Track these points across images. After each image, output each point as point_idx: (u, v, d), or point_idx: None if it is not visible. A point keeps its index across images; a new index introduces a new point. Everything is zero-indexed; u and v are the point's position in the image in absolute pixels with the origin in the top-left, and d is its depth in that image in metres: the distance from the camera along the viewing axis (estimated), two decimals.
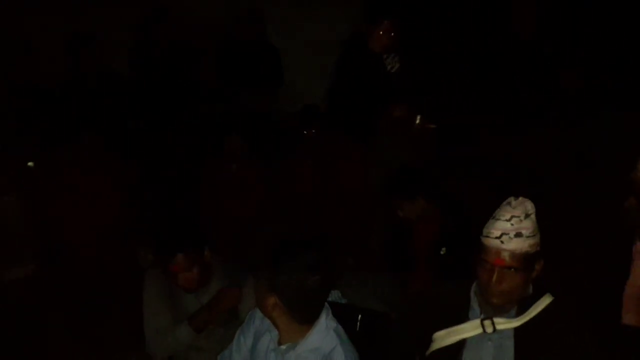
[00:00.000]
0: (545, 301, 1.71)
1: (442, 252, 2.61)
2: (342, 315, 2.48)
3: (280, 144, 4.15)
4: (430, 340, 1.77)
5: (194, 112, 4.52)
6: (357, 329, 2.43)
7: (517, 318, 1.68)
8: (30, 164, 3.47)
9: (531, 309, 1.69)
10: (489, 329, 1.69)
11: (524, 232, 1.63)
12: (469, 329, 1.71)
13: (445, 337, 1.73)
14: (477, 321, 1.71)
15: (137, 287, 2.36)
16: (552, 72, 3.73)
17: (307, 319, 1.69)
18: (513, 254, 1.63)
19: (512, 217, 1.64)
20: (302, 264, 1.63)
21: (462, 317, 1.74)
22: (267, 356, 1.78)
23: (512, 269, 1.63)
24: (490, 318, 1.69)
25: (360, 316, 2.44)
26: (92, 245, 3.27)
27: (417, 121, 3.24)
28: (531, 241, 1.66)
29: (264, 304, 1.67)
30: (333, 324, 1.75)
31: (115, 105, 4.17)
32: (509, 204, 1.68)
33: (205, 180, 3.75)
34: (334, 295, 2.71)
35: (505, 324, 1.69)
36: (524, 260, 1.64)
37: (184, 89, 4.41)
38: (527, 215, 1.66)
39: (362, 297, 2.61)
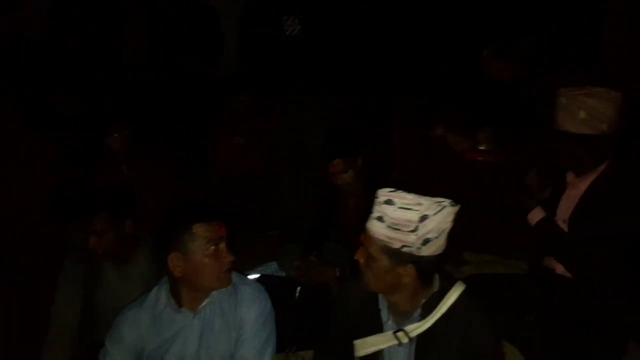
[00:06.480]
0: (454, 294, 1.60)
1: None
2: (281, 288, 2.54)
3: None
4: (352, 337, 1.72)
5: (121, 81, 4.31)
6: (296, 300, 2.48)
7: (426, 319, 1.59)
8: None
9: (439, 305, 1.59)
10: (404, 340, 1.61)
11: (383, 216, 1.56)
12: (384, 341, 1.64)
13: (362, 347, 1.67)
14: (390, 333, 1.63)
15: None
16: None
17: None
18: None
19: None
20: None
21: (374, 322, 1.68)
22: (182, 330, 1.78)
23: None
24: (402, 329, 1.61)
25: (299, 288, 2.48)
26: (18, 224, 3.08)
27: None
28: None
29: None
30: None
31: (34, 75, 3.93)
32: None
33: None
34: (272, 268, 2.75)
35: (417, 329, 1.60)
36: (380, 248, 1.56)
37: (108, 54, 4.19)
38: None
39: None
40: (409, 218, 1.50)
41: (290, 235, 3.20)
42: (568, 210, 2.14)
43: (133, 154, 3.13)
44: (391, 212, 1.52)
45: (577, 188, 2.14)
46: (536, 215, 2.17)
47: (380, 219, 1.54)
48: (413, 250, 1.51)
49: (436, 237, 1.51)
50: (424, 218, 1.49)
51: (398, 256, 1.53)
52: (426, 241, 1.50)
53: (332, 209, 2.77)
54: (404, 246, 1.52)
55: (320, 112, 3.52)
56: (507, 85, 3.32)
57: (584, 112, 1.97)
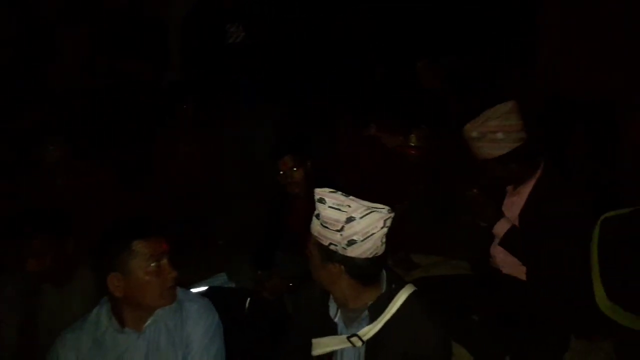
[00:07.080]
0: (402, 296, 1.62)
1: None
2: (230, 299, 2.50)
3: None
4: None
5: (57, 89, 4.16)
6: (246, 311, 2.45)
7: (375, 321, 1.60)
8: None
9: (388, 308, 1.60)
10: (358, 344, 1.62)
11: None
12: (338, 343, 1.66)
13: (317, 347, 1.69)
14: (344, 337, 1.64)
15: None
16: None
17: None
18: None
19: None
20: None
21: (324, 318, 1.71)
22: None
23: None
24: (356, 334, 1.62)
25: (249, 299, 2.45)
26: None
27: None
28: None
29: None
30: None
31: None
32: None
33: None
34: (221, 279, 2.70)
35: (369, 332, 1.61)
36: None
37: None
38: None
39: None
40: (337, 218, 1.54)
41: (239, 245, 3.17)
42: (512, 215, 2.18)
43: (69, 167, 2.96)
44: (322, 210, 1.57)
45: (519, 194, 2.18)
46: (502, 227, 2.14)
47: (317, 216, 1.59)
48: (339, 249, 1.56)
49: (362, 240, 1.54)
50: (350, 219, 1.53)
51: (326, 253, 1.59)
52: (351, 242, 1.54)
53: (281, 215, 2.75)
54: (331, 244, 1.57)
55: (267, 120, 3.51)
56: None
57: (500, 132, 2.03)
